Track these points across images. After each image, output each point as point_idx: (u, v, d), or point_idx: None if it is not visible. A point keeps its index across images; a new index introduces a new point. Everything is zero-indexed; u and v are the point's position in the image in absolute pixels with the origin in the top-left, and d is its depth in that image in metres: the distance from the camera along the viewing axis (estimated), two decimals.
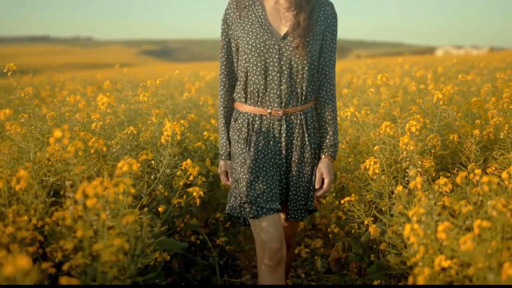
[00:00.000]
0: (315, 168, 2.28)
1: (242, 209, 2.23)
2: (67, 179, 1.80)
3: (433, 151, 2.47)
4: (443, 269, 1.50)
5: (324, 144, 2.29)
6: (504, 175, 1.76)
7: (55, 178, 1.91)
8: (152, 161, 2.17)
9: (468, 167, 2.27)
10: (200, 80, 6.42)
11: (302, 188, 2.27)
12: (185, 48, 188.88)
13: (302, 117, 2.24)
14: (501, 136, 2.47)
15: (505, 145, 2.52)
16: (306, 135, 2.24)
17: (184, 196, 2.33)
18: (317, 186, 2.28)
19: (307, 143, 2.24)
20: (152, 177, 2.25)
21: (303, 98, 2.23)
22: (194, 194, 2.24)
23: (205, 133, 3.15)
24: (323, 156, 2.30)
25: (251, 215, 2.16)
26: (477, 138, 2.54)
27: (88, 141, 2.17)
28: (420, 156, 2.32)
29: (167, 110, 3.30)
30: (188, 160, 2.29)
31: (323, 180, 2.28)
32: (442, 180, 1.89)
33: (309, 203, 2.30)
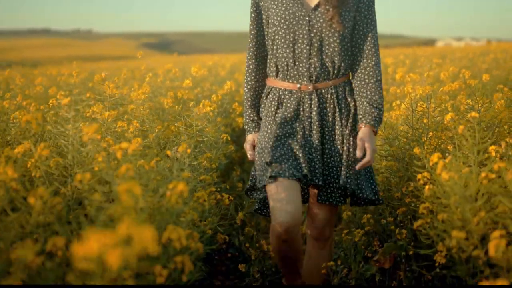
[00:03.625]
0: (351, 145, 2.16)
1: (262, 175, 2.10)
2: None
3: None
4: None
5: (361, 113, 2.16)
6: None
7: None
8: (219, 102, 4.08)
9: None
10: (223, 67, 8.45)
11: (335, 168, 2.14)
12: (184, 40, 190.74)
13: (333, 92, 2.15)
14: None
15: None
16: (337, 110, 2.15)
17: (233, 123, 4.28)
18: (358, 155, 2.08)
19: (337, 120, 2.15)
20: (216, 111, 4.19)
21: (335, 72, 2.15)
22: (239, 121, 4.18)
23: (241, 90, 5.13)
24: (362, 126, 2.15)
25: (272, 174, 2.04)
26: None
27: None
28: None
29: (215, 81, 5.27)
30: (236, 103, 4.24)
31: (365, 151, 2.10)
32: None
33: (350, 186, 2.13)
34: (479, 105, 3.22)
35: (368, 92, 2.17)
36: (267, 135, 2.16)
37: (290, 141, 2.12)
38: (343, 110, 2.17)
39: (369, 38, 2.17)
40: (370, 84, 2.18)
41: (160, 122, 3.29)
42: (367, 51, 2.18)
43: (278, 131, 2.13)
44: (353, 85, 2.21)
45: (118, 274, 0.80)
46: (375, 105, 2.16)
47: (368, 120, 2.14)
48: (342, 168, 2.13)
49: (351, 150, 2.16)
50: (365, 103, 2.17)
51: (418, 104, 3.12)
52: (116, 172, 1.47)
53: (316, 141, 2.13)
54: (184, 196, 1.55)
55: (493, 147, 2.00)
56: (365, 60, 2.17)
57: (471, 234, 1.58)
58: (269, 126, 2.17)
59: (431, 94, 4.24)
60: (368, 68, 2.18)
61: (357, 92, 2.19)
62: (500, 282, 0.83)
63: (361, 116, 2.17)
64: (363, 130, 2.14)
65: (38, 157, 1.87)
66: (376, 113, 2.15)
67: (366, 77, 2.18)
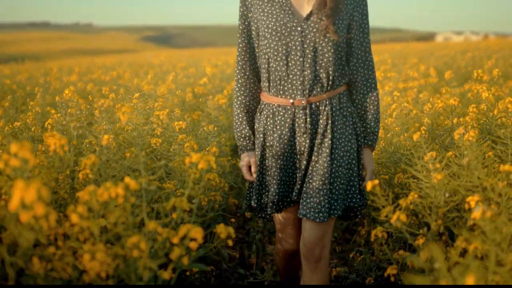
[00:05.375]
0: (343, 160, 2.10)
1: (266, 205, 2.22)
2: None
3: None
4: None
5: (363, 132, 2.17)
6: None
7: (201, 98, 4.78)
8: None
9: None
10: (228, 64, 9.44)
11: (316, 182, 2.07)
12: (185, 34, 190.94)
13: (327, 103, 2.08)
14: None
15: None
16: (330, 122, 2.08)
17: None
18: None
19: (328, 131, 2.07)
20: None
21: (330, 83, 2.09)
22: None
23: None
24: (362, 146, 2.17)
25: (274, 212, 2.18)
26: None
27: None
28: None
29: (222, 77, 6.22)
30: None
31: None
32: None
33: (335, 202, 2.08)
34: (433, 98, 4.15)
35: (372, 107, 2.17)
36: (268, 163, 2.17)
37: (289, 171, 2.14)
38: (336, 123, 2.10)
39: (366, 48, 2.16)
40: (373, 98, 2.18)
41: (183, 112, 4.22)
42: (366, 62, 2.17)
43: (280, 161, 2.13)
44: (354, 94, 2.18)
45: (200, 175, 1.74)
46: (376, 122, 2.18)
47: (367, 141, 2.18)
48: (323, 184, 2.06)
49: (341, 164, 2.11)
50: (367, 120, 2.18)
51: (383, 99, 4.07)
52: (176, 138, 2.43)
53: (306, 155, 2.10)
54: (216, 155, 2.51)
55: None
56: (366, 71, 2.17)
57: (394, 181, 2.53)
58: (268, 150, 2.16)
59: (401, 88, 5.18)
60: (370, 80, 2.18)
61: (359, 106, 2.18)
62: (372, 184, 1.77)
63: (362, 136, 2.18)
64: (363, 152, 2.18)
65: (115, 132, 2.82)
66: (377, 132, 2.19)
67: (368, 89, 2.17)
